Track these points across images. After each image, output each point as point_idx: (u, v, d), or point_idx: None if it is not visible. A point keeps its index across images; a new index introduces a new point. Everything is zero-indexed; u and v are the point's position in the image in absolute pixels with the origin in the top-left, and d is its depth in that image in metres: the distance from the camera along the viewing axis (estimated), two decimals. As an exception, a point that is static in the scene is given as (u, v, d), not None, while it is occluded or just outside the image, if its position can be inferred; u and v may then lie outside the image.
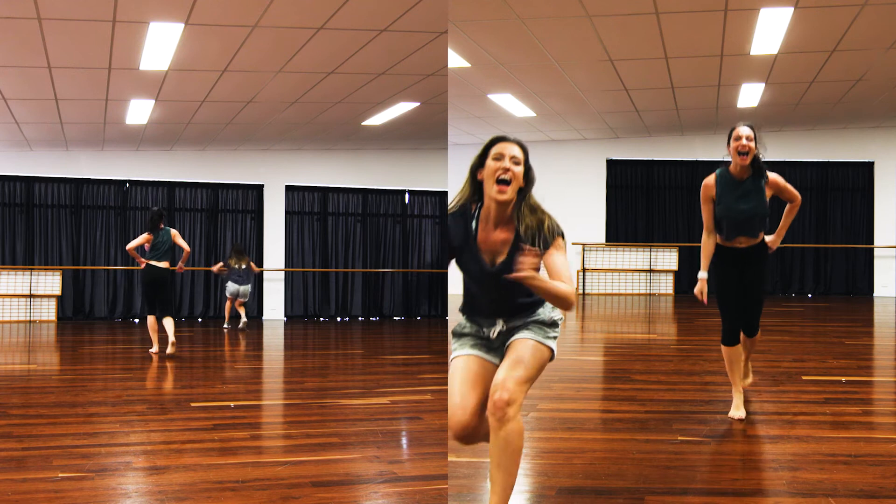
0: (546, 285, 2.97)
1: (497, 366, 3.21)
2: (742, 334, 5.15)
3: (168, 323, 9.28)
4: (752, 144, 4.84)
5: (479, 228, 3.24)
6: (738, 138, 4.85)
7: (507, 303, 3.26)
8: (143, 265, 9.37)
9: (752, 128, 4.89)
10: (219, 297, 15.39)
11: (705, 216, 5.02)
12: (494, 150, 3.21)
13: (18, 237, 14.36)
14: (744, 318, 5.09)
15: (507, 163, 3.16)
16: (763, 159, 4.95)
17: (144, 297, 9.99)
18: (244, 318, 13.27)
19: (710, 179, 4.98)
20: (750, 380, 5.65)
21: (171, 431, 5.43)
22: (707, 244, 5.08)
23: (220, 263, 13.34)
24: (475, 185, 3.28)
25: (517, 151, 3.19)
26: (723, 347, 5.10)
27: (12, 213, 14.35)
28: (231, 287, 13.40)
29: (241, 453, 4.79)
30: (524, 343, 3.20)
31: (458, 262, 3.32)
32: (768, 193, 4.95)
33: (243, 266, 13.35)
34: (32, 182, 14.43)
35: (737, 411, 5.09)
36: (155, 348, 9.40)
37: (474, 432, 3.20)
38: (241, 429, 5.51)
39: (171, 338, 9.18)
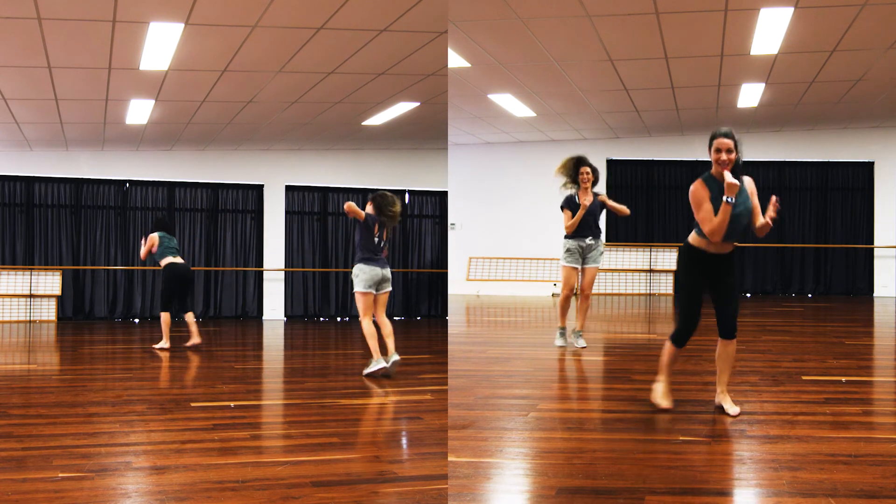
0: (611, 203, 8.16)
1: (579, 269, 8.35)
2: (720, 340, 5.24)
3: (190, 317, 10.20)
4: (733, 156, 5.01)
5: (579, 197, 8.22)
6: (719, 151, 5.00)
7: (590, 229, 8.26)
8: (162, 265, 10.11)
9: (731, 137, 5.03)
10: (220, 296, 15.35)
11: (707, 212, 5.01)
12: (581, 169, 8.26)
13: (18, 237, 14.36)
14: (723, 321, 5.20)
15: (585, 177, 8.19)
16: (742, 159, 5.12)
17: (165, 294, 10.09)
18: (394, 355, 7.69)
19: (700, 183, 5.09)
20: (735, 410, 5.23)
21: (171, 431, 5.42)
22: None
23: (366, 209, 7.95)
24: (576, 180, 8.29)
25: (589, 170, 8.25)
26: (669, 345, 5.34)
27: (12, 213, 14.35)
28: (367, 270, 7.70)
29: (241, 453, 4.79)
30: (591, 268, 8.34)
31: (572, 211, 8.26)
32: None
33: (386, 237, 7.93)
34: (32, 182, 14.43)
35: (663, 399, 5.35)
36: (166, 344, 9.88)
37: (569, 301, 8.40)
38: (241, 429, 5.51)
39: (196, 331, 10.09)
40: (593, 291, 8.47)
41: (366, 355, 8.94)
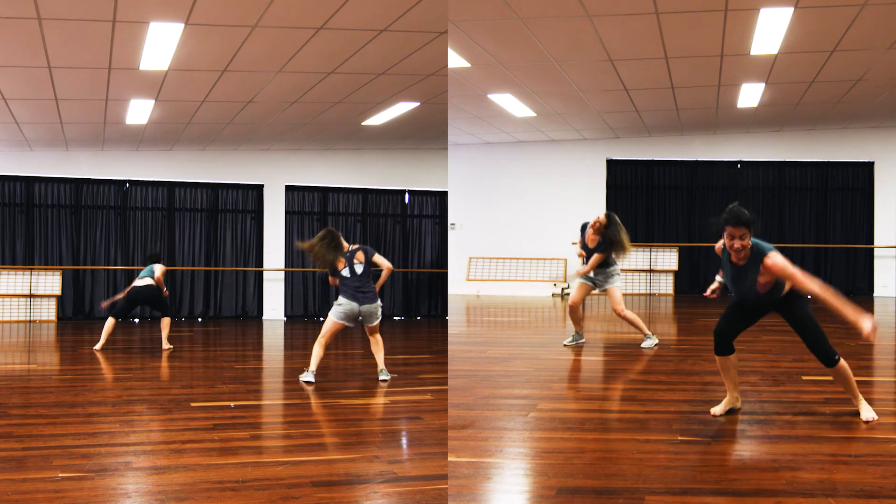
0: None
1: (590, 285, 8.49)
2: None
3: (165, 323, 10.19)
4: (747, 242, 4.76)
5: (587, 235, 8.37)
6: (732, 238, 4.73)
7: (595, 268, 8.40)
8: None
9: (744, 222, 4.73)
10: (220, 296, 15.35)
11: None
12: (597, 216, 8.25)
13: (18, 237, 14.36)
14: (813, 352, 4.98)
15: (595, 224, 8.22)
16: (758, 243, 4.87)
17: (124, 306, 10.18)
18: (384, 373, 7.58)
19: (720, 245, 5.04)
20: (872, 415, 5.08)
21: (171, 431, 5.43)
22: None
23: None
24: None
25: (600, 220, 8.20)
26: (715, 357, 5.23)
27: (12, 213, 14.34)
28: (344, 304, 7.54)
29: (241, 453, 4.79)
30: (611, 288, 8.42)
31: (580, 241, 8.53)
32: (761, 272, 4.84)
33: (357, 263, 7.58)
34: (32, 182, 14.43)
35: (720, 408, 5.26)
36: (99, 346, 9.97)
37: (575, 312, 8.46)
38: (241, 429, 5.51)
39: (166, 337, 10.10)
40: (623, 310, 8.42)
41: (366, 355, 8.93)
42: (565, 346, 8.50)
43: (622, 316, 8.39)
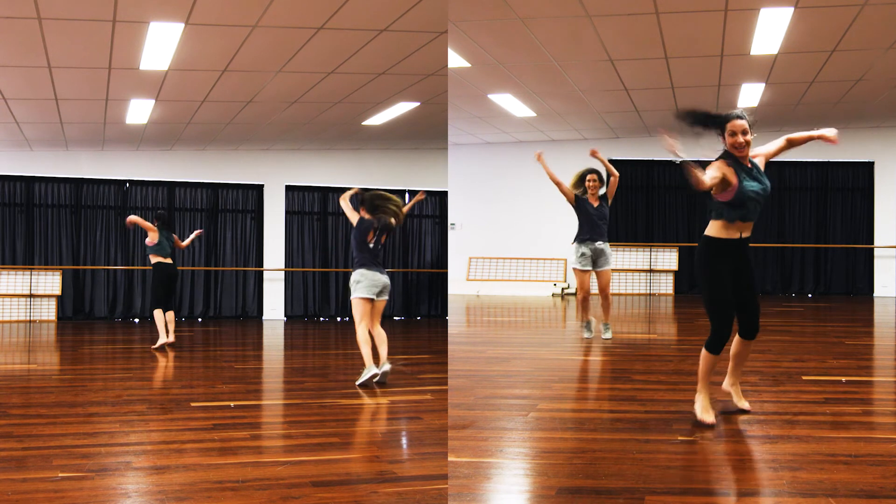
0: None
1: (590, 271, 8.63)
2: (740, 339, 5.07)
3: (171, 316, 10.27)
4: (750, 138, 4.65)
5: (588, 198, 8.58)
6: (735, 134, 4.61)
7: (600, 233, 8.54)
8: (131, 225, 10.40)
9: (745, 118, 4.64)
10: (220, 296, 15.34)
11: (709, 169, 4.65)
12: (587, 176, 8.58)
13: (18, 237, 14.36)
14: (745, 318, 4.95)
15: (591, 183, 8.60)
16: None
17: (156, 293, 10.21)
18: (386, 364, 7.24)
19: (720, 161, 4.72)
20: (745, 404, 5.24)
21: (171, 431, 5.42)
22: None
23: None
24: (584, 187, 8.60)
25: (595, 176, 8.58)
26: (706, 354, 4.90)
27: (12, 213, 14.35)
28: (370, 276, 7.33)
29: (241, 453, 4.79)
30: (606, 270, 8.66)
31: (577, 211, 8.63)
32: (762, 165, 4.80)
33: (383, 241, 7.65)
34: (32, 182, 14.43)
35: (706, 414, 4.92)
36: (170, 338, 10.06)
37: (587, 300, 8.74)
38: (241, 429, 5.51)
39: (172, 329, 10.23)
40: (610, 291, 9.00)
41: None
42: (586, 338, 8.89)
43: (607, 296, 8.83)
